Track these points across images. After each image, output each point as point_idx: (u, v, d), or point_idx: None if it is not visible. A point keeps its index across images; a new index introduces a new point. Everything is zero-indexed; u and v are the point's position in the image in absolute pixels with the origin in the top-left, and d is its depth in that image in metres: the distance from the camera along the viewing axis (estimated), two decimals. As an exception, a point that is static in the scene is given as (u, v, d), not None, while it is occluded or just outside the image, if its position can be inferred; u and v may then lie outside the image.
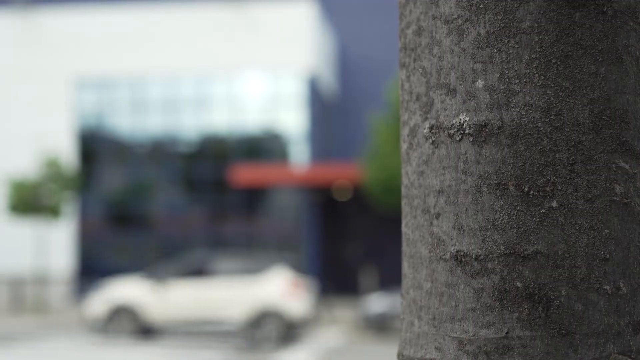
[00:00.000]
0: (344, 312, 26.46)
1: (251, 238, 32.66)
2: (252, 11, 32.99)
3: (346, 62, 38.90)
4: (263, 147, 32.94)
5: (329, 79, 36.86)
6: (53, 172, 29.22)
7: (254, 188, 32.52)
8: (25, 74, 33.98)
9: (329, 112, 37.11)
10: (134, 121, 33.54)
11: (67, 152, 33.26)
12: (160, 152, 33.42)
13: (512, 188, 1.37)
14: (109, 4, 38.02)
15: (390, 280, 34.84)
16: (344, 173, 31.63)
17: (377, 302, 21.55)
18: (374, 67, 38.07)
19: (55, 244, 33.10)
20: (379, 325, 21.31)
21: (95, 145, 33.72)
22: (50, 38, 33.87)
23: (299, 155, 32.81)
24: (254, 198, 32.67)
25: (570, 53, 1.38)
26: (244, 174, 31.40)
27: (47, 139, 32.98)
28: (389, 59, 36.91)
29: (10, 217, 29.46)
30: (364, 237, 37.03)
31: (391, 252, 35.59)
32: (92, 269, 33.47)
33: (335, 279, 36.60)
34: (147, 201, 33.35)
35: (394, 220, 35.07)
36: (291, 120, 32.74)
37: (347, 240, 37.40)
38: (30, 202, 28.95)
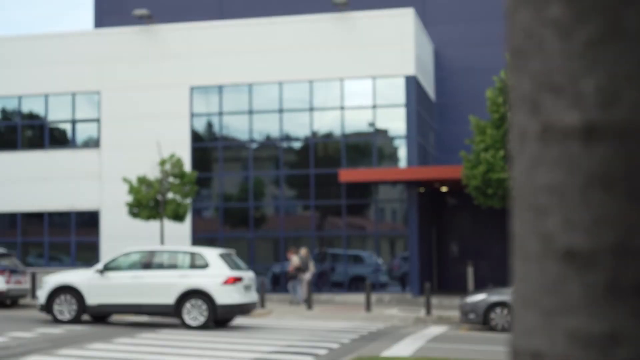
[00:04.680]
0: (446, 311, 26.27)
1: (360, 233, 33.14)
2: (355, 20, 33.42)
3: (444, 65, 38.72)
4: (368, 149, 33.36)
5: (429, 83, 36.86)
6: (174, 174, 30.11)
7: (359, 188, 32.96)
8: (147, 84, 35.17)
9: (430, 115, 37.06)
10: (245, 126, 34.42)
11: (185, 155, 34.19)
12: (271, 155, 34.31)
13: (620, 185, 1.39)
14: (220, 19, 38.84)
15: (494, 277, 34.42)
16: (446, 173, 31.60)
17: (478, 299, 21.40)
18: (472, 70, 37.76)
19: (174, 242, 33.90)
20: (481, 322, 21.18)
21: (209, 149, 34.78)
22: (169, 50, 35.03)
23: (402, 157, 33.11)
24: (360, 197, 33.08)
25: (677, 53, 1.39)
26: (350, 175, 31.95)
27: (167, 143, 33.81)
28: (486, 62, 36.51)
29: (135, 217, 30.42)
30: (466, 234, 36.92)
31: (495, 249, 35.20)
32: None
33: (437, 275, 36.66)
34: (258, 201, 34.13)
35: (496, 217, 34.68)
36: (394, 123, 33.09)
37: (449, 238, 37.32)
38: (153, 202, 29.89)
